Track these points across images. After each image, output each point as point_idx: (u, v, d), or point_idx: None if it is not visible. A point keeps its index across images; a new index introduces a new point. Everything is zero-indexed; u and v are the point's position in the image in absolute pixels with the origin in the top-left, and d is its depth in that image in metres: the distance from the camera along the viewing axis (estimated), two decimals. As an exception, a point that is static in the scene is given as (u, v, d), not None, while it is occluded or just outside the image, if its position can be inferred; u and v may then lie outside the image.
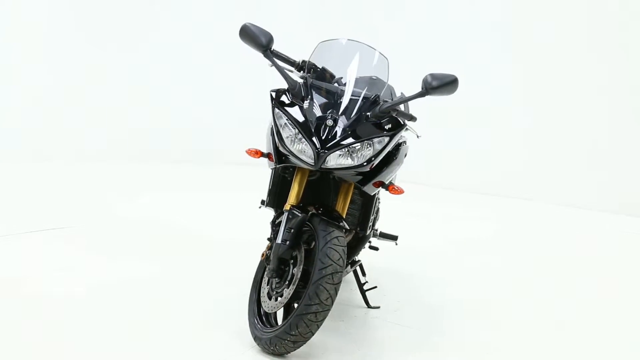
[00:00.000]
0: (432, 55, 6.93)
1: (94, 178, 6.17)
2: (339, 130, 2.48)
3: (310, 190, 2.70)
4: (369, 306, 3.23)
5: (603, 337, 3.13)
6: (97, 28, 7.02)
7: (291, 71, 2.79)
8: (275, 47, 2.76)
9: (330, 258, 2.43)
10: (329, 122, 2.48)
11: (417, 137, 2.88)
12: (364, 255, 3.76)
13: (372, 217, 2.83)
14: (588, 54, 6.23)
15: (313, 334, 2.48)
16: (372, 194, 2.69)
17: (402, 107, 3.49)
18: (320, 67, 2.70)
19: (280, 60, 2.75)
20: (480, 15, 6.76)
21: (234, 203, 5.54)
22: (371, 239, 3.45)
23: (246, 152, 2.74)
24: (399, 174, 3.51)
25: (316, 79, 2.65)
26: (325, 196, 2.71)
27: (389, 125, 2.60)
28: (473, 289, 3.70)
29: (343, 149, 2.48)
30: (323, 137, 2.47)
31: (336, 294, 2.45)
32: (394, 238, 3.61)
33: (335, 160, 2.49)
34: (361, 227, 2.81)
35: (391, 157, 2.69)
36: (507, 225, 5.41)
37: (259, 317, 2.63)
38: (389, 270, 3.97)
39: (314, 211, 2.55)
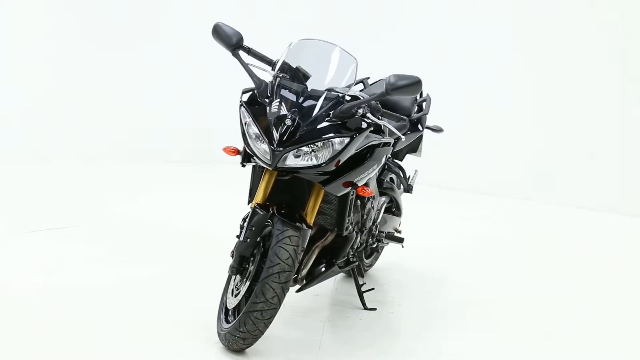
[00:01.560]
0: (433, 55, 6.92)
1: (94, 178, 6.18)
2: (297, 130, 2.47)
3: (284, 189, 2.70)
4: (365, 308, 3.24)
5: (603, 338, 3.13)
6: (97, 28, 7.02)
7: (265, 70, 2.78)
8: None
9: (279, 257, 2.45)
10: (287, 122, 2.47)
11: (402, 139, 2.87)
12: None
13: (348, 218, 2.81)
14: (589, 54, 6.23)
15: (262, 332, 2.52)
16: (339, 194, 2.68)
17: (426, 106, 3.50)
18: (295, 67, 2.68)
19: (257, 59, 2.76)
20: (480, 15, 6.76)
21: (234, 203, 5.54)
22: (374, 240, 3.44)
23: (223, 149, 2.75)
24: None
25: (290, 78, 2.65)
26: (300, 196, 2.70)
27: (365, 125, 2.59)
28: (475, 291, 3.70)
29: (299, 149, 2.47)
30: (279, 137, 2.47)
31: (283, 293, 2.48)
32: (400, 240, 3.61)
33: (292, 159, 2.49)
34: (338, 227, 2.80)
35: (364, 157, 2.68)
36: (508, 226, 5.41)
37: (225, 313, 2.65)
38: (397, 270, 3.96)
39: (273, 210, 2.57)
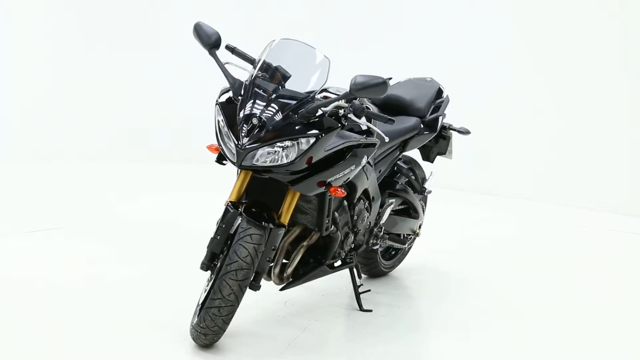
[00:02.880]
0: (433, 55, 6.92)
1: (94, 178, 6.18)
2: (263, 129, 2.51)
3: (265, 188, 2.73)
4: (361, 309, 3.24)
5: (603, 338, 3.13)
6: (97, 28, 7.01)
7: (246, 70, 2.81)
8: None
9: (237, 255, 2.51)
10: (254, 121, 2.51)
11: (385, 140, 2.88)
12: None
13: (328, 218, 2.82)
14: (590, 55, 6.22)
15: (221, 328, 2.58)
16: (311, 194, 2.70)
17: (442, 107, 3.53)
18: (275, 66, 2.71)
19: (241, 58, 2.82)
20: (481, 14, 6.75)
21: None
22: (376, 244, 3.42)
23: (207, 147, 2.80)
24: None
25: (269, 77, 2.68)
26: (280, 195, 2.73)
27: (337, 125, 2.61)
28: (475, 293, 3.70)
29: (263, 148, 2.50)
30: (245, 135, 2.51)
31: (241, 291, 2.53)
32: (402, 243, 3.59)
33: (257, 158, 2.52)
34: (318, 227, 2.82)
35: (342, 157, 2.70)
36: (508, 226, 5.41)
37: (201, 307, 2.71)
38: (410, 272, 3.95)
39: (242, 208, 2.62)
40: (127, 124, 7.13)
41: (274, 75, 2.68)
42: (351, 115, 2.63)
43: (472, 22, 6.80)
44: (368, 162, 3.04)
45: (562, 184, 6.31)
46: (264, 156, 2.52)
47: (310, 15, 7.56)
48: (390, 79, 3.74)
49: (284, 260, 2.91)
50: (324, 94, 2.67)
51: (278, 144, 2.51)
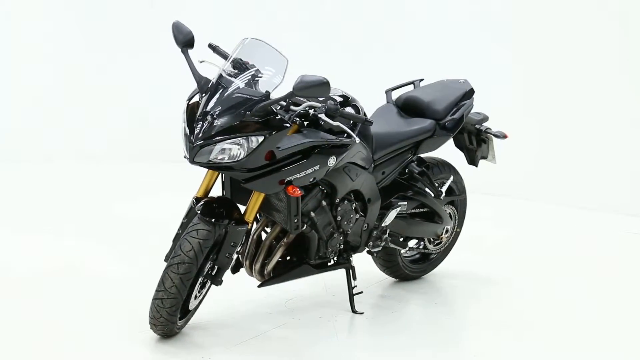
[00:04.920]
0: (432, 54, 6.92)
1: (94, 178, 6.18)
2: (216, 126, 2.55)
3: (239, 186, 2.77)
4: (354, 311, 3.24)
5: (603, 338, 3.13)
6: (97, 28, 7.01)
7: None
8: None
9: (181, 248, 2.59)
10: (209, 118, 2.56)
11: (356, 141, 2.87)
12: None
13: (296, 217, 2.82)
14: (590, 54, 6.22)
15: (168, 320, 2.64)
16: (270, 192, 2.74)
17: (462, 110, 3.51)
18: (248, 65, 2.77)
19: (222, 57, 2.89)
20: (480, 13, 6.75)
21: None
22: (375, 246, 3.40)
23: None
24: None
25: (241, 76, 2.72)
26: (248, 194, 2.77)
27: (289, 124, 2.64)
28: (475, 295, 3.70)
29: (214, 145, 2.54)
30: (197, 132, 2.56)
31: (183, 284, 2.58)
32: (403, 246, 3.59)
33: (208, 155, 2.56)
34: (288, 225, 2.84)
35: (308, 156, 2.72)
36: (508, 226, 5.41)
37: None
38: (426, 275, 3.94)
39: (201, 204, 2.70)
40: (127, 124, 7.12)
41: (245, 73, 2.73)
42: (322, 115, 2.66)
43: (471, 21, 6.79)
44: (356, 164, 3.02)
45: (562, 184, 6.31)
46: (215, 153, 2.55)
47: (311, 15, 7.55)
48: (422, 80, 3.75)
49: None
50: (256, 91, 2.68)
51: (229, 141, 2.55)
